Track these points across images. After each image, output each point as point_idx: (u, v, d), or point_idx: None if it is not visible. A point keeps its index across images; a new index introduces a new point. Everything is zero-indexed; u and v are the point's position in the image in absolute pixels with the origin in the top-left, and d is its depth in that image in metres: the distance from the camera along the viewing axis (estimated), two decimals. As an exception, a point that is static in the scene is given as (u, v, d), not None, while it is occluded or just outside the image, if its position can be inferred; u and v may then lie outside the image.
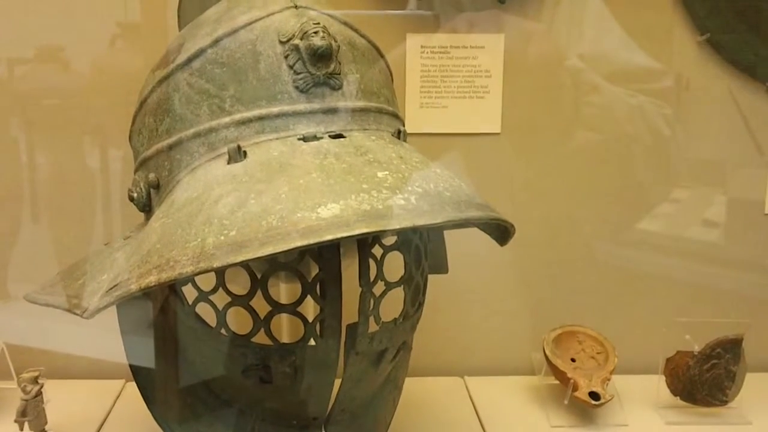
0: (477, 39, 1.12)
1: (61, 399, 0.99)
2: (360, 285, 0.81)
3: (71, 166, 1.12)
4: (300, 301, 0.89)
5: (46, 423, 0.95)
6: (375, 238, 0.88)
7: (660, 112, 1.17)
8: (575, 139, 1.18)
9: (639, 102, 1.16)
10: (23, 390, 0.93)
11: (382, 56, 0.83)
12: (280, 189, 0.65)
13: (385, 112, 0.79)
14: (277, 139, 0.71)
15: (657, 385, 1.08)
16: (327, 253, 0.87)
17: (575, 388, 1.03)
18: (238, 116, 0.72)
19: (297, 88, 0.72)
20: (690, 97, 1.17)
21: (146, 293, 0.70)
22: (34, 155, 1.12)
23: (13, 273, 1.14)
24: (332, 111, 0.73)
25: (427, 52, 1.13)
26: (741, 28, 1.16)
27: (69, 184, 1.12)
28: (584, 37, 1.16)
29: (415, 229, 0.85)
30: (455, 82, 1.13)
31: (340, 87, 0.74)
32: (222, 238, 0.62)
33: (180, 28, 0.97)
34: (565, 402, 1.05)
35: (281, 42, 0.72)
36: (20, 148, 1.12)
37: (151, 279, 0.64)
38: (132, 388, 0.88)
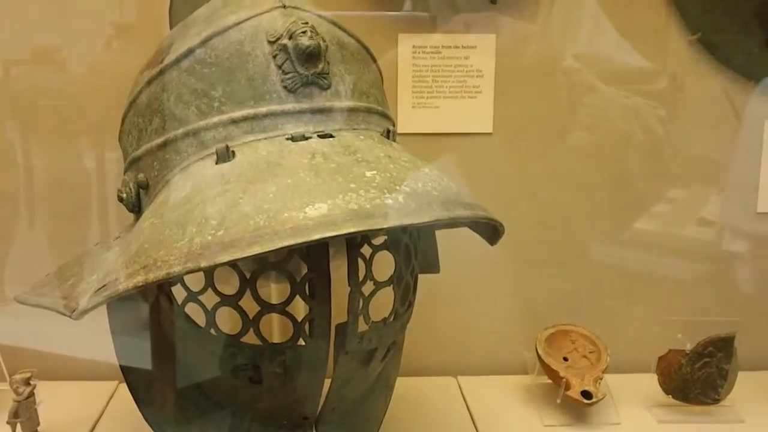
0: (469, 39, 1.13)
1: (54, 400, 0.99)
2: (349, 284, 0.81)
3: (67, 168, 1.12)
4: (289, 300, 0.89)
5: (38, 424, 0.96)
6: (364, 237, 0.88)
7: (654, 113, 1.17)
8: (568, 138, 1.18)
9: (633, 103, 1.16)
10: (15, 391, 0.93)
11: (371, 56, 0.83)
12: (268, 189, 0.65)
13: (374, 112, 0.79)
14: (265, 138, 0.71)
15: (649, 383, 1.09)
16: (316, 253, 0.87)
17: (567, 387, 1.03)
18: (226, 116, 0.72)
19: (285, 87, 0.72)
20: (683, 97, 1.17)
21: (137, 293, 0.70)
22: (29, 157, 1.12)
23: (8, 274, 1.14)
24: (321, 111, 0.73)
25: (419, 53, 1.13)
26: (733, 27, 1.16)
27: (65, 185, 1.12)
28: (577, 38, 1.16)
29: (403, 229, 0.85)
30: (447, 82, 1.13)
31: (329, 87, 0.74)
32: (209, 237, 0.62)
33: (171, 27, 0.97)
34: (558, 401, 1.05)
35: (269, 42, 0.73)
36: (16, 150, 1.12)
37: (139, 279, 0.64)
38: (125, 389, 0.88)
